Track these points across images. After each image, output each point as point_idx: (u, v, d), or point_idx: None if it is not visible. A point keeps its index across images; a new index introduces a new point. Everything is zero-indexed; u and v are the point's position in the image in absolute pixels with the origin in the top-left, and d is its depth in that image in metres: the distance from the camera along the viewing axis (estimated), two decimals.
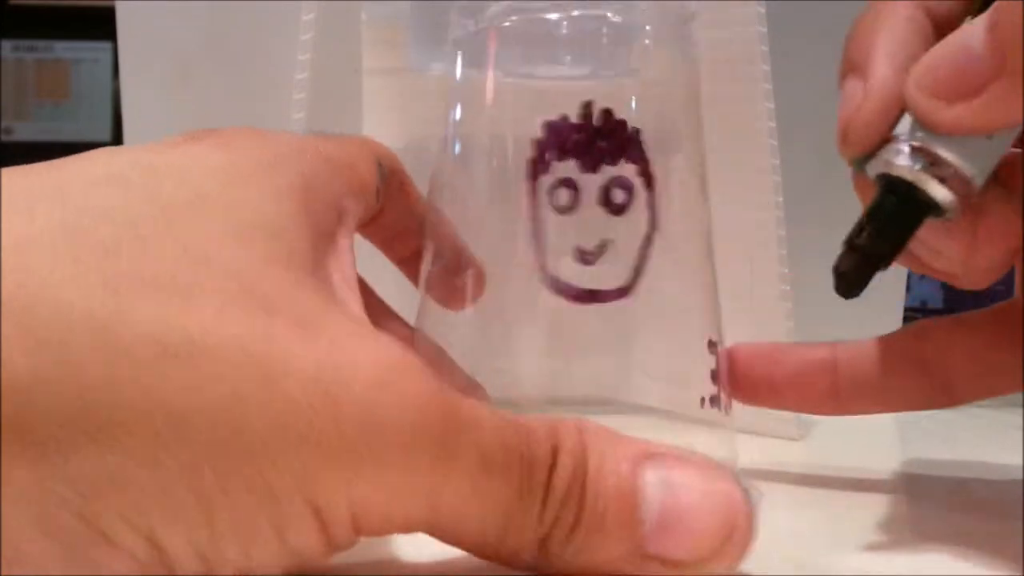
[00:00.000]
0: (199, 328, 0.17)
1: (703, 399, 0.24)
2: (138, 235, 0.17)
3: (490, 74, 0.26)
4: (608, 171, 0.23)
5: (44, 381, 0.15)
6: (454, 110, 0.27)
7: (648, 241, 0.24)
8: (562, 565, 0.19)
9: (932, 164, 0.21)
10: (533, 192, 0.23)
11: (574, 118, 0.23)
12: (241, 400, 0.16)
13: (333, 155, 0.24)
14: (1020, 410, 0.46)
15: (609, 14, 0.25)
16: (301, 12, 0.37)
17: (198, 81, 0.40)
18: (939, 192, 0.21)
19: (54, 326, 0.16)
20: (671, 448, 0.19)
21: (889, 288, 0.41)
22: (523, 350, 0.24)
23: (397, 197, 0.28)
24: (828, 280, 0.30)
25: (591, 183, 0.23)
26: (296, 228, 0.20)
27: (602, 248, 0.23)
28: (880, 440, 0.39)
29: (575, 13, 0.25)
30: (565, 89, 0.25)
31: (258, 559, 0.17)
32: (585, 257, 0.23)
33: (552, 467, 0.19)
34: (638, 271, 0.24)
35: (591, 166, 0.23)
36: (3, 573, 0.15)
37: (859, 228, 0.22)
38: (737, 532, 0.19)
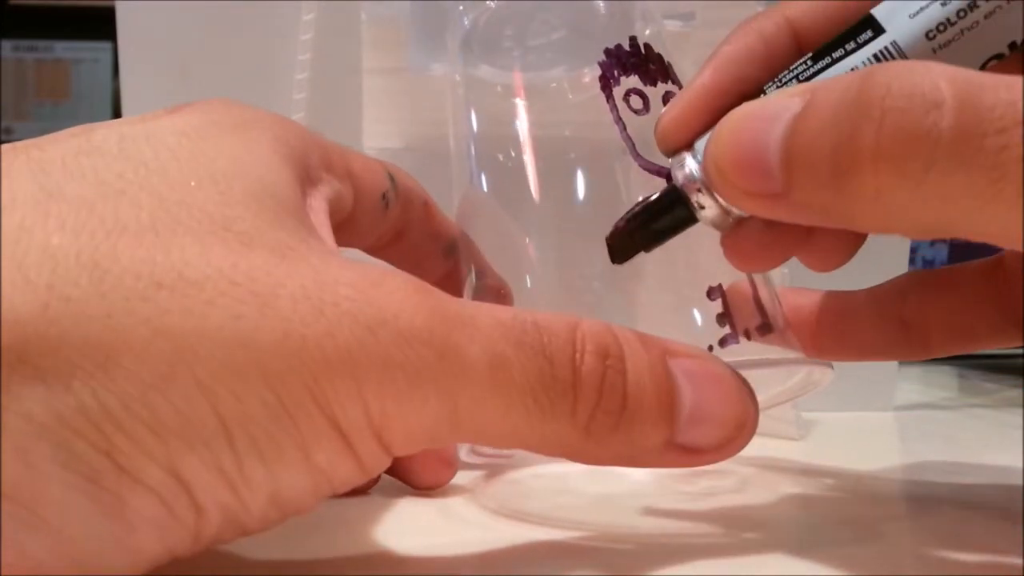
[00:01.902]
0: (182, 262, 0.17)
1: (711, 347, 0.24)
2: (114, 190, 0.18)
3: (517, 77, 0.27)
4: (662, 87, 0.27)
5: (42, 316, 0.16)
6: (469, 117, 0.28)
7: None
8: (604, 452, 0.20)
9: (706, 189, 0.22)
10: (611, 100, 0.26)
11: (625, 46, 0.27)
12: (239, 319, 0.17)
13: (318, 137, 0.24)
14: (1020, 410, 0.46)
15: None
16: (301, 12, 0.37)
17: (198, 81, 0.40)
18: (704, 215, 0.23)
19: (45, 267, 0.16)
20: (682, 344, 0.21)
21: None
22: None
23: (421, 219, 0.28)
24: (828, 280, 0.30)
25: (654, 93, 0.26)
26: (270, 171, 0.20)
27: None
28: (880, 440, 0.39)
29: None
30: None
31: (287, 482, 0.17)
32: None
33: (577, 360, 0.19)
34: None
35: (651, 80, 0.27)
36: (23, 515, 0.15)
37: (635, 211, 0.24)
38: (748, 421, 0.21)
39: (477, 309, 0.19)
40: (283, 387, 0.17)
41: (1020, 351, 0.67)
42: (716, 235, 0.26)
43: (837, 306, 0.29)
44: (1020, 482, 0.30)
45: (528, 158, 0.26)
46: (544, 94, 0.27)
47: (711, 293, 0.25)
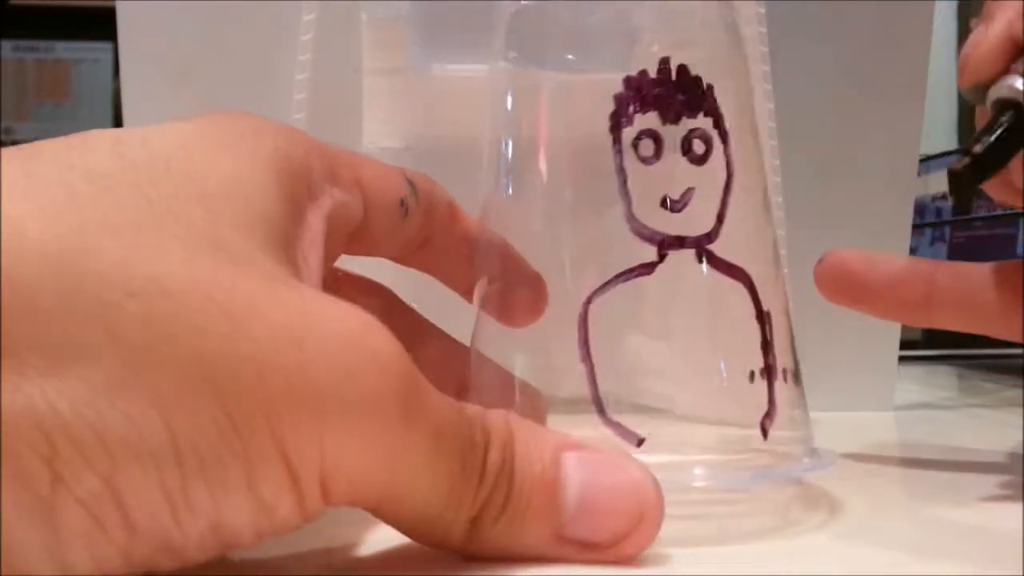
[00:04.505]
0: (164, 271, 0.17)
1: (752, 372, 0.24)
2: (103, 187, 0.17)
3: (544, 65, 0.26)
4: (687, 123, 0.24)
5: None
6: (504, 105, 0.26)
7: (727, 189, 0.24)
8: (487, 546, 0.20)
9: None
10: (618, 144, 0.24)
11: (652, 74, 0.24)
12: (204, 336, 0.16)
13: (323, 146, 0.24)
14: (1020, 410, 0.46)
15: None
16: (301, 12, 0.37)
17: (198, 81, 0.40)
18: None
19: (12, 255, 0.15)
20: (584, 442, 0.21)
21: None
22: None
23: (447, 224, 0.28)
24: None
25: (673, 134, 0.24)
26: (264, 197, 0.20)
27: (687, 196, 0.24)
28: (880, 440, 0.39)
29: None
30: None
31: (228, 512, 0.17)
32: (672, 204, 0.24)
33: (485, 451, 0.20)
34: (721, 218, 0.24)
35: (672, 118, 0.24)
36: None
37: (975, 140, 0.26)
38: (647, 516, 0.20)
39: (431, 388, 0.19)
40: (237, 409, 0.16)
41: (1020, 351, 0.68)
42: None
43: (951, 271, 0.30)
44: (1020, 482, 0.30)
45: (564, 164, 0.25)
46: (584, 94, 0.25)
47: (759, 314, 0.24)
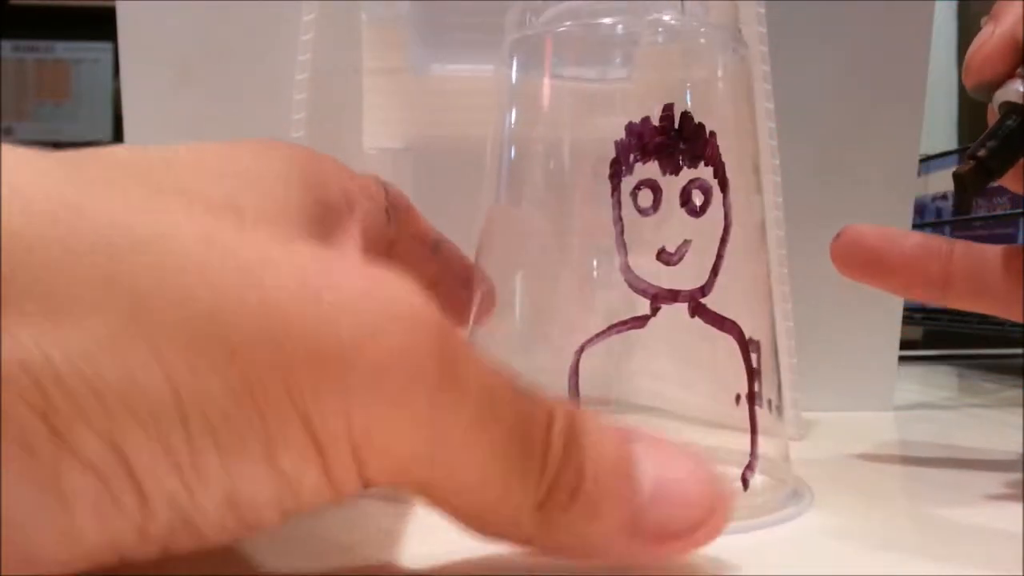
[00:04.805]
0: (168, 223, 0.16)
1: (738, 396, 0.24)
2: (111, 163, 0.17)
3: (547, 80, 0.25)
4: (688, 173, 0.24)
5: None
6: (509, 113, 0.26)
7: (723, 242, 0.24)
8: (558, 538, 0.18)
9: None
10: (616, 193, 0.23)
11: (655, 120, 0.24)
12: (213, 290, 0.15)
13: (336, 162, 0.24)
14: (1020, 410, 0.46)
15: (666, 16, 0.25)
16: (301, 12, 0.37)
17: (198, 81, 0.40)
18: None
19: (13, 207, 0.15)
20: (645, 432, 0.20)
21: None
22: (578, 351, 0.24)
23: (408, 224, 0.28)
24: (828, 280, 0.31)
25: (672, 185, 0.23)
26: (284, 189, 0.19)
27: (683, 248, 0.24)
28: (879, 440, 0.39)
29: (629, 16, 0.25)
30: (623, 91, 0.25)
31: (247, 483, 0.16)
32: (668, 257, 0.23)
33: (548, 425, 0.18)
34: (716, 271, 0.24)
35: (673, 168, 0.23)
36: None
37: (980, 143, 0.27)
38: (719, 505, 0.19)
39: (473, 349, 0.18)
40: (249, 367, 0.15)
41: (1020, 351, 0.68)
42: None
43: (969, 251, 0.30)
44: (1020, 482, 0.30)
45: (572, 168, 0.24)
46: (595, 98, 0.25)
47: (750, 343, 0.24)
